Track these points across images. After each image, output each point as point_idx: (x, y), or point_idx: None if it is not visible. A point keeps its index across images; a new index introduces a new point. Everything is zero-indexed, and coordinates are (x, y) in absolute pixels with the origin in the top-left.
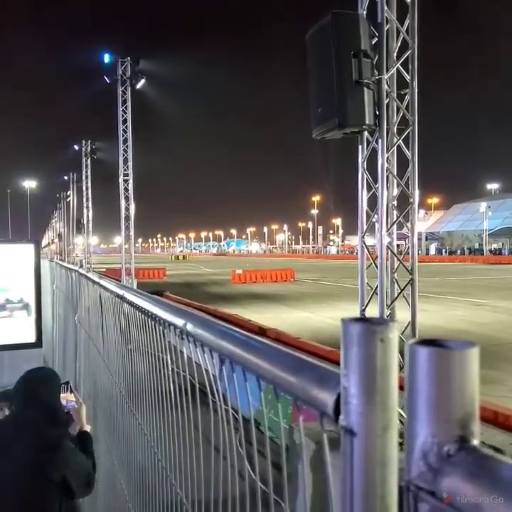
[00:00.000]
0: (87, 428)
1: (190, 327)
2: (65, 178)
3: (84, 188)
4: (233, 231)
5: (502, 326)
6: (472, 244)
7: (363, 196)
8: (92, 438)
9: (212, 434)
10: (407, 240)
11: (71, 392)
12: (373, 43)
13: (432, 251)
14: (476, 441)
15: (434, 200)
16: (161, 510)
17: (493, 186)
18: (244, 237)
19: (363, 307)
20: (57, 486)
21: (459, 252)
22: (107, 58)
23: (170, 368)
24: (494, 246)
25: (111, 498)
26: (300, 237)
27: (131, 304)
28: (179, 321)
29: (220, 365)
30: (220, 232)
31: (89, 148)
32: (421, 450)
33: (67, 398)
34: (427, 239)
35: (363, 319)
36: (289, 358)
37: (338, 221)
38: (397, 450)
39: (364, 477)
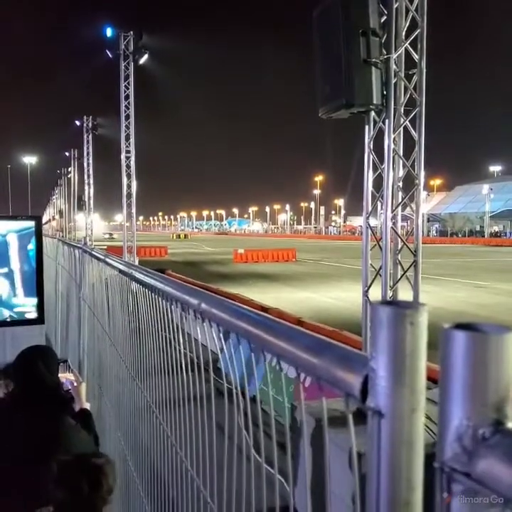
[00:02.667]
0: (87, 406)
1: (205, 307)
2: (66, 154)
3: (85, 164)
4: (235, 210)
5: (503, 307)
6: (473, 226)
7: (369, 177)
8: (92, 415)
9: (225, 416)
10: (408, 221)
11: (71, 370)
12: (382, 21)
13: (434, 232)
14: (510, 425)
15: (436, 182)
16: (171, 487)
17: (495, 168)
18: (246, 216)
19: (366, 288)
20: (57, 463)
21: (460, 234)
22: (109, 32)
23: (181, 347)
24: (495, 228)
25: (118, 475)
26: (302, 217)
27: (141, 282)
28: (193, 301)
29: (237, 345)
30: (222, 212)
31: (90, 124)
32: (456, 433)
33: (66, 377)
34: (428, 220)
35: (392, 302)
36: (310, 339)
37: (340, 202)
38: (423, 432)
39: (391, 458)
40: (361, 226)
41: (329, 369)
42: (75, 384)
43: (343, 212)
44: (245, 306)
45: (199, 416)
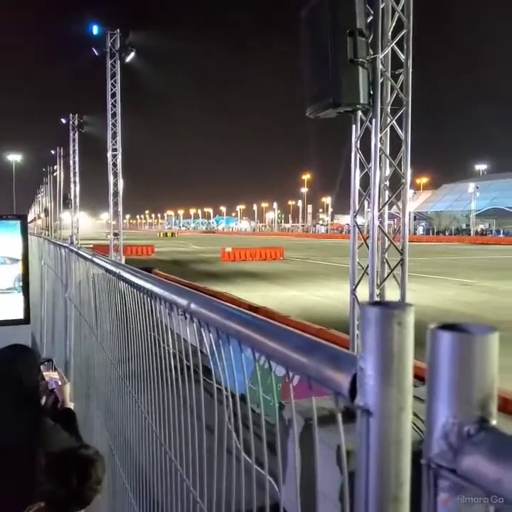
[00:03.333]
0: (71, 405)
1: (194, 307)
2: (52, 152)
3: (71, 162)
4: (223, 208)
5: (489, 305)
6: (460, 225)
7: (356, 176)
8: (75, 415)
9: (215, 416)
10: (395, 219)
11: (55, 370)
12: (368, 21)
13: (420, 231)
14: (494, 422)
15: (422, 180)
16: (160, 487)
17: (481, 167)
18: (233, 214)
19: (354, 287)
20: (40, 463)
21: (446, 232)
22: (95, 30)
23: (170, 347)
24: (481, 226)
25: (107, 476)
26: (290, 215)
27: (129, 282)
28: (182, 301)
29: (228, 344)
30: (210, 210)
31: (76, 122)
32: (442, 430)
33: (50, 376)
34: (415, 219)
35: (380, 303)
36: (300, 339)
37: (327, 200)
38: (410, 430)
39: (379, 455)
40: (348, 224)
41: (319, 368)
42: (60, 383)
43: (330, 210)
44: (235, 306)
45: (188, 415)
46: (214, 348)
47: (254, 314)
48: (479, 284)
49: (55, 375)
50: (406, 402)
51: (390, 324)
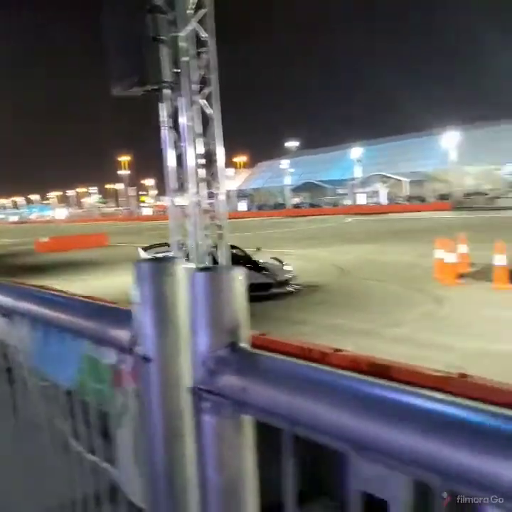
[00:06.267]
0: None
1: None
2: None
3: None
4: (35, 196)
5: (310, 273)
6: (277, 200)
7: (167, 155)
8: None
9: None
10: (216, 197)
11: None
12: None
13: (244, 207)
14: (243, 345)
15: (242, 160)
16: None
17: (293, 144)
18: (47, 202)
19: None
20: None
21: (267, 207)
22: None
23: None
24: (296, 200)
25: None
26: (113, 199)
27: None
28: None
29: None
30: (17, 198)
31: None
32: (201, 358)
33: None
34: (237, 196)
35: (153, 259)
36: (84, 305)
37: (150, 182)
38: (188, 371)
39: (161, 396)
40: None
41: (105, 330)
42: None
43: (154, 191)
44: (27, 286)
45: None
46: (36, 343)
47: (50, 291)
48: (297, 253)
49: None
50: (181, 346)
51: (162, 276)
